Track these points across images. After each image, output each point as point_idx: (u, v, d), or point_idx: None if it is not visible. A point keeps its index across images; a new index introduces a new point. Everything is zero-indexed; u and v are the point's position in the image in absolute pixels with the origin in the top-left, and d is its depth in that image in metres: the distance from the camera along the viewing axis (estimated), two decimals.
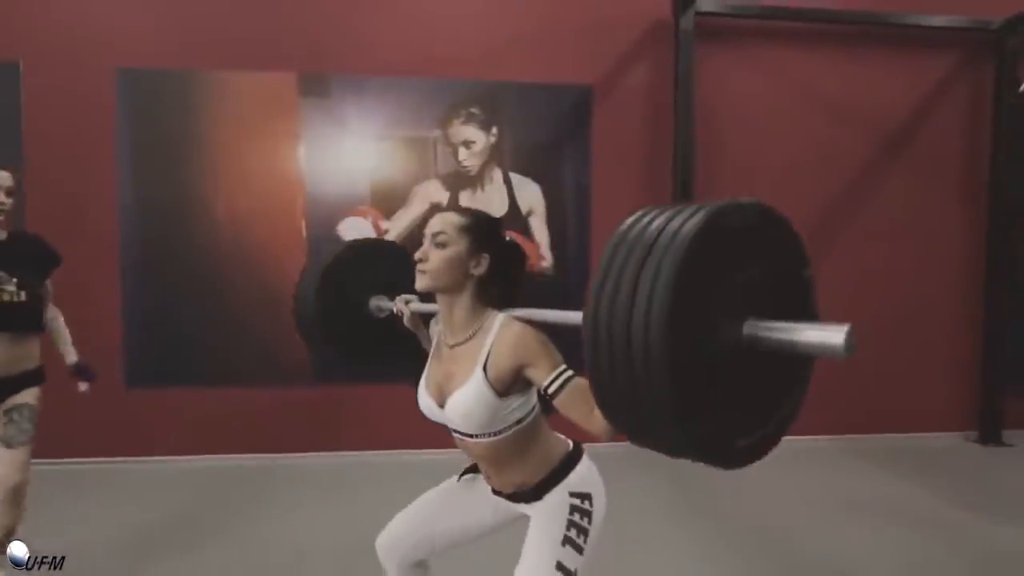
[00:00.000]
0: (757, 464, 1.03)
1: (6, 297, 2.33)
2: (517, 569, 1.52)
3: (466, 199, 4.17)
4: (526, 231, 4.25)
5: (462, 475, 1.79)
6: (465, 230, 1.51)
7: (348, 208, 4.08)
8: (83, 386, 2.62)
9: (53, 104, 3.83)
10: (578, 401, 1.31)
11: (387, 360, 2.08)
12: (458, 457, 1.66)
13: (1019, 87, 3.16)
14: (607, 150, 4.28)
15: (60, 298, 3.94)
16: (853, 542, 2.91)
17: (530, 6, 4.16)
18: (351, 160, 4.08)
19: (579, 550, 1.52)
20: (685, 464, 1.06)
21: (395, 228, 4.12)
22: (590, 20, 4.20)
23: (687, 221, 0.91)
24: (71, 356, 2.67)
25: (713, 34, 4.25)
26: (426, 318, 1.78)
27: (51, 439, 3.86)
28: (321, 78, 4.03)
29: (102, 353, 3.92)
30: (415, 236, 4.11)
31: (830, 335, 0.87)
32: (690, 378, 0.89)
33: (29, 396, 2.45)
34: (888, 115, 4.45)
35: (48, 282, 2.55)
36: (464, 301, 1.53)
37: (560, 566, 1.48)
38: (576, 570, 1.50)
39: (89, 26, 3.85)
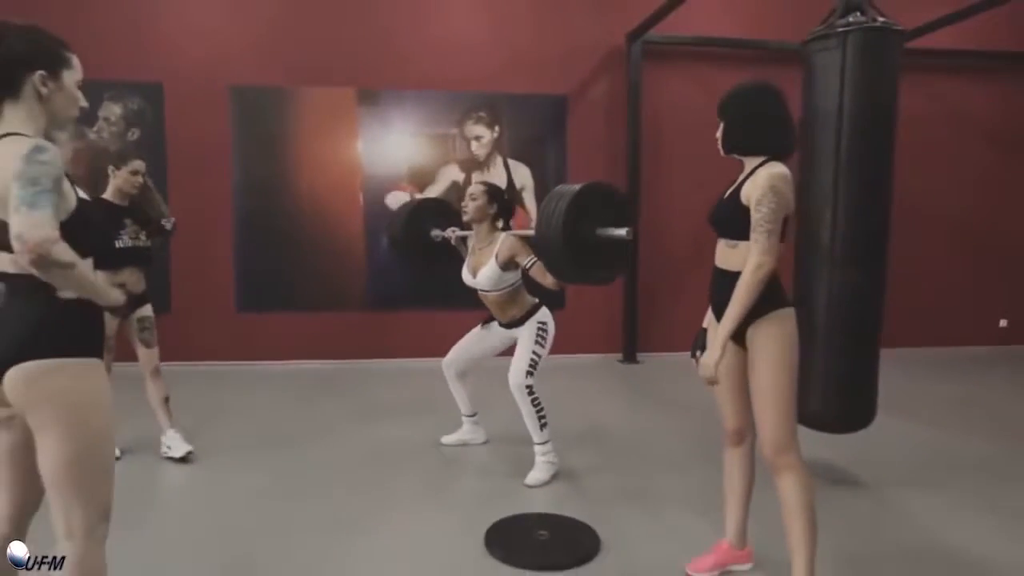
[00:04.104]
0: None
1: (137, 241, 3.27)
2: (513, 359, 3.16)
3: (476, 178, 5.77)
4: (520, 202, 5.86)
5: (482, 325, 3.46)
6: (485, 192, 3.21)
7: (392, 185, 5.70)
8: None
9: (186, 112, 5.41)
10: (539, 270, 2.93)
11: (434, 265, 3.81)
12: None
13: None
14: (578, 143, 5.88)
15: (191, 248, 5.55)
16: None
17: (521, 39, 5.72)
18: (394, 150, 5.68)
19: (541, 345, 3.18)
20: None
21: None
22: (565, 48, 5.77)
23: (574, 187, 2.45)
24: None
25: (656, 57, 5.81)
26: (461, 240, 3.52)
27: (185, 347, 5.54)
28: (373, 92, 5.61)
29: (220, 286, 5.58)
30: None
31: (622, 232, 2.42)
32: (572, 249, 2.39)
33: (149, 310, 3.35)
34: None
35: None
36: (485, 226, 3.23)
37: (533, 353, 3.14)
38: (540, 356, 3.16)
39: (210, 57, 5.42)
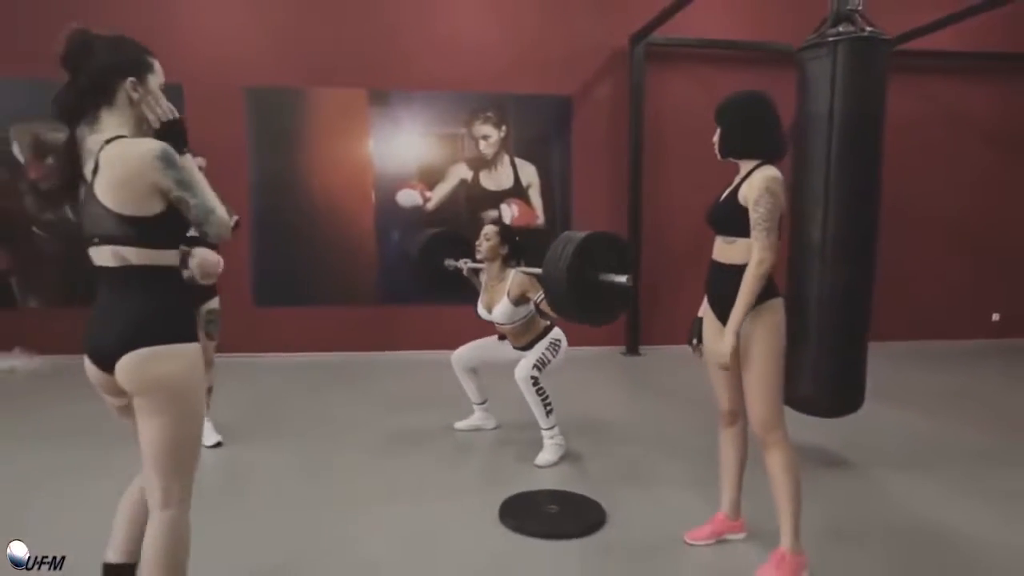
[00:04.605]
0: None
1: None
2: (523, 359, 3.35)
3: (484, 176, 5.97)
4: (526, 199, 6.04)
5: (499, 337, 3.67)
6: (498, 234, 3.44)
7: (402, 182, 5.89)
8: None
9: (204, 113, 5.57)
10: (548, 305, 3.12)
11: (446, 290, 4.05)
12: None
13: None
14: (582, 142, 6.06)
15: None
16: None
17: (527, 41, 5.90)
18: (404, 149, 5.87)
19: (553, 354, 3.38)
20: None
21: (436, 196, 5.92)
22: (570, 50, 5.95)
23: (581, 234, 2.61)
24: None
25: (659, 58, 5.99)
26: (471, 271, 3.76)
27: None
28: (383, 93, 5.79)
29: (238, 282, 5.77)
30: (451, 201, 5.91)
31: (623, 279, 2.58)
32: (576, 292, 2.57)
33: (217, 302, 3.52)
34: None
35: None
36: (497, 264, 3.45)
37: (543, 354, 3.35)
38: (549, 360, 3.35)
39: (226, 59, 5.61)
